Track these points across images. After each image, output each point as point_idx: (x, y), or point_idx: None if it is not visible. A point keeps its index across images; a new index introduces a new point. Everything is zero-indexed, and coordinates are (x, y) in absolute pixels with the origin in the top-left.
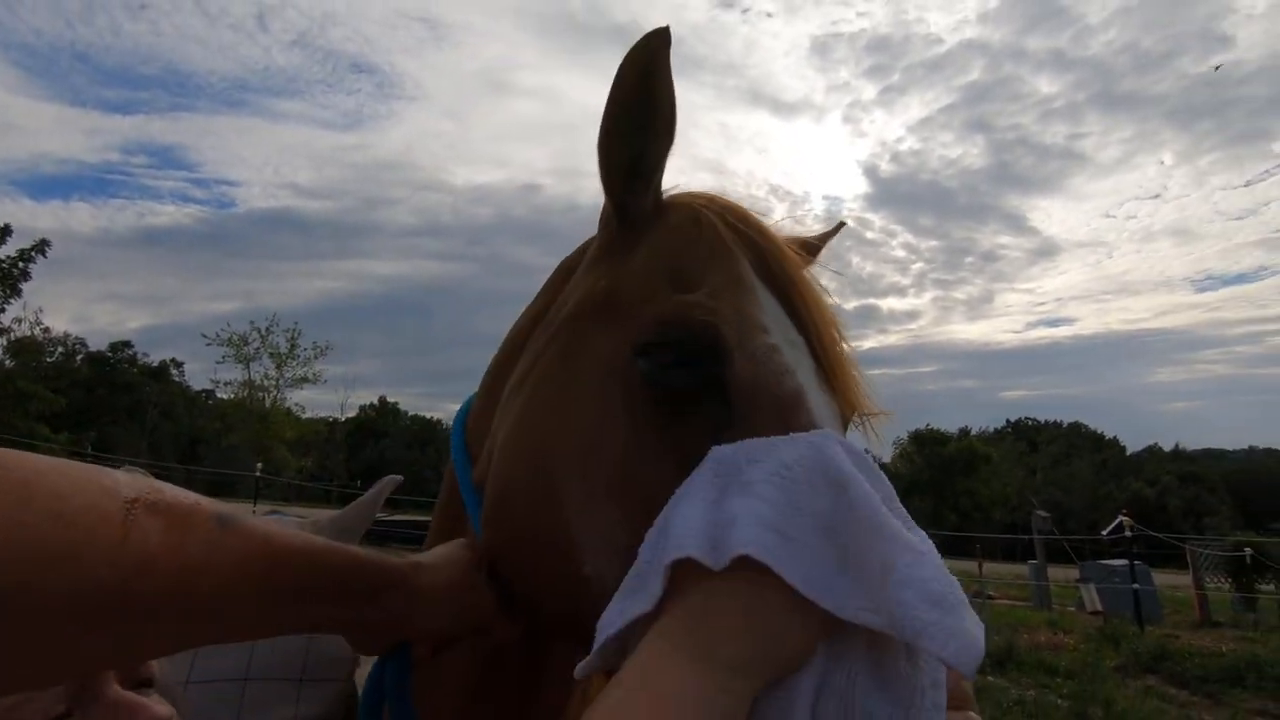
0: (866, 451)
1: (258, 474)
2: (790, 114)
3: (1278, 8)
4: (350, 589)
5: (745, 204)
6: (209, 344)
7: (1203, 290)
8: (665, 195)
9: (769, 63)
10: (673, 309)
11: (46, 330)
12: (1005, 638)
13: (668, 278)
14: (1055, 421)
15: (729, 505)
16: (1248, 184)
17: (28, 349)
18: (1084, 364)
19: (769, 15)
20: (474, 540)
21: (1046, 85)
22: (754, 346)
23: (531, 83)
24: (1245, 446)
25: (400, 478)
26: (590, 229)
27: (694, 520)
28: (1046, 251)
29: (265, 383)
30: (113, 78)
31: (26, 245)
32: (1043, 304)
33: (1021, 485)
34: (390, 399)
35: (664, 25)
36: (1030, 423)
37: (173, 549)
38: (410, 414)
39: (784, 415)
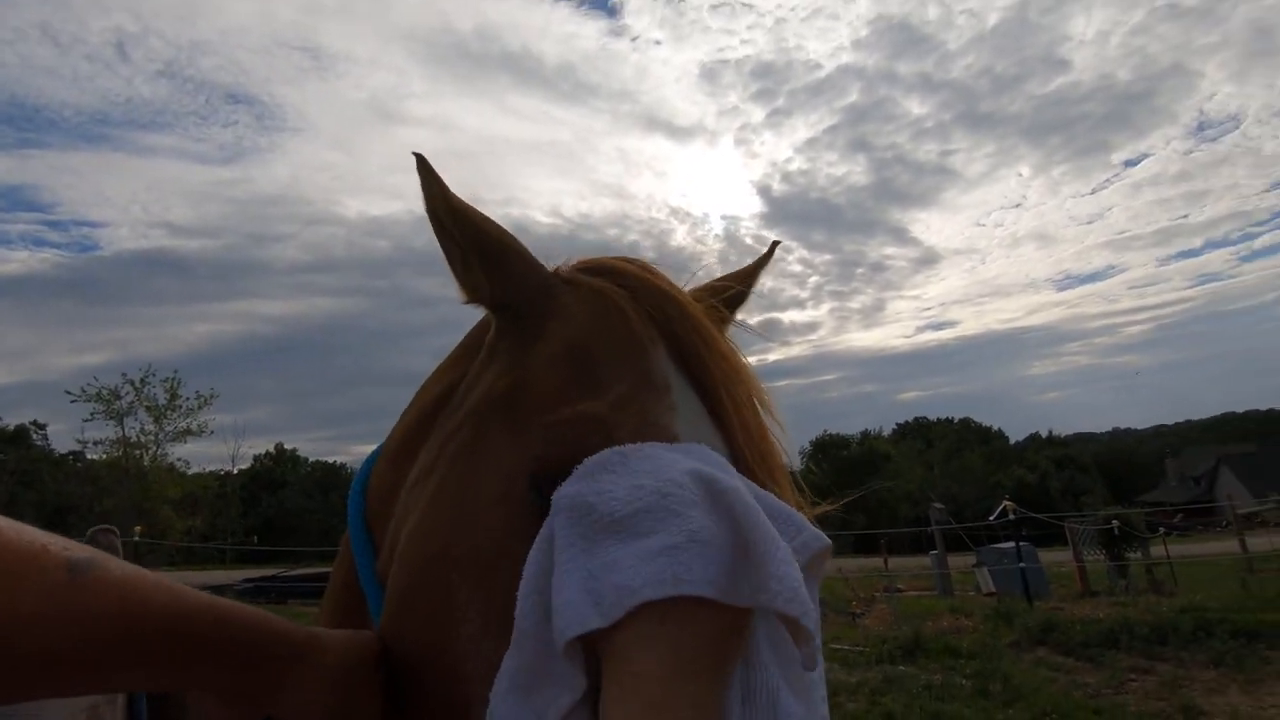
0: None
1: (136, 539)
2: (685, 138)
3: (1104, 35)
4: (231, 654)
5: (659, 266)
6: (74, 400)
7: (1063, 289)
8: (576, 262)
9: (661, 88)
10: (562, 434)
11: None
12: (913, 627)
13: (573, 378)
14: (947, 418)
15: (601, 551)
16: (1093, 191)
17: None
18: (969, 362)
19: (657, 43)
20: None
21: (918, 106)
22: None
23: (423, 111)
24: (1109, 429)
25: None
26: None
27: (571, 587)
28: (928, 260)
29: (143, 439)
30: None
31: None
32: (929, 309)
33: (920, 481)
34: (288, 445)
35: (417, 153)
36: (923, 422)
37: (6, 604)
38: (311, 460)
39: None
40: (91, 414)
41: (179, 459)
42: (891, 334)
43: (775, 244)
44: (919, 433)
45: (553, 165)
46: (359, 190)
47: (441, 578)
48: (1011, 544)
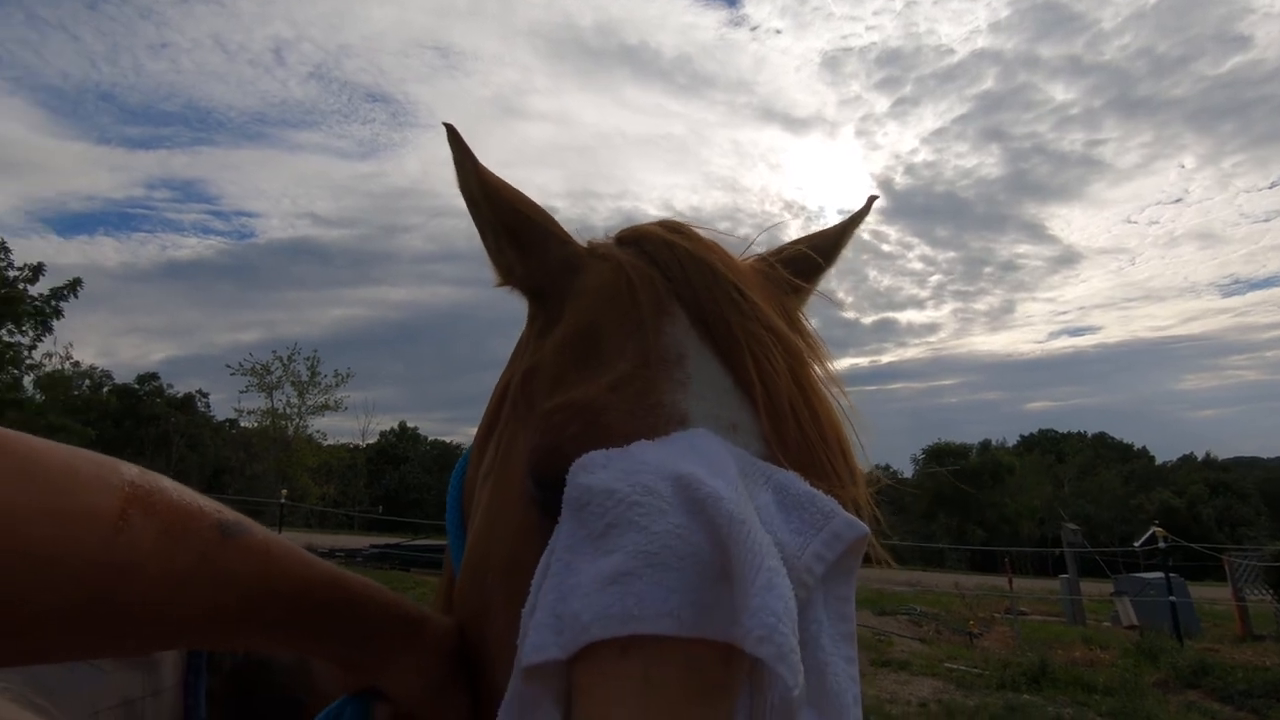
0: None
1: (282, 500)
2: (802, 129)
3: None
4: (353, 624)
5: (715, 229)
6: (233, 374)
7: (1229, 294)
8: (609, 235)
9: (779, 79)
10: (551, 422)
11: (76, 364)
12: (1039, 654)
13: (575, 360)
14: (1080, 432)
15: (576, 567)
16: (1273, 185)
17: (58, 383)
18: (1109, 373)
19: (778, 32)
20: None
21: (1062, 92)
22: None
23: (544, 107)
24: (1278, 454)
25: None
26: None
27: (544, 608)
28: (1067, 260)
29: (288, 411)
30: (136, 115)
31: (59, 283)
32: (1065, 313)
33: (1049, 498)
34: (410, 424)
35: (448, 124)
36: (1054, 434)
37: (163, 556)
38: (430, 439)
39: None
40: (247, 386)
41: (317, 430)
42: (1021, 338)
43: (872, 199)
44: (1047, 446)
45: (666, 159)
46: None
47: (480, 577)
48: (1158, 575)
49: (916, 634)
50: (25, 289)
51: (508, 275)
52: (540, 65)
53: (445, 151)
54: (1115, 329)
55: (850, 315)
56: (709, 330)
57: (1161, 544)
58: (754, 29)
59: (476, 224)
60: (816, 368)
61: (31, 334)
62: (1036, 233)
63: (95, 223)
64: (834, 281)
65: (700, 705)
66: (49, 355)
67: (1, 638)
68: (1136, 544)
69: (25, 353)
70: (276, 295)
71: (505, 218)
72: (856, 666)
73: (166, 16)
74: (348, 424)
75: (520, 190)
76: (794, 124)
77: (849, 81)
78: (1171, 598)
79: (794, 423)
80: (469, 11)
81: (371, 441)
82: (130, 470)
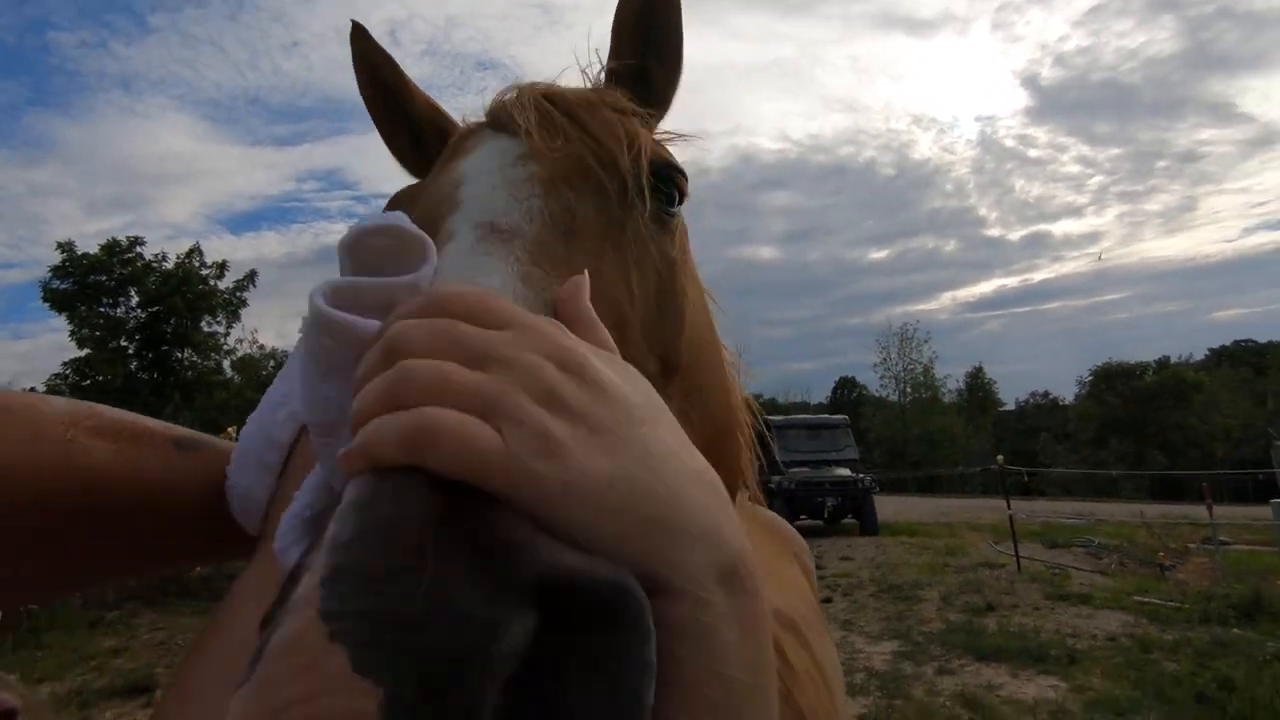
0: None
1: None
2: (929, 32)
3: None
4: None
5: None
6: None
7: None
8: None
9: None
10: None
11: (261, 347)
12: (1250, 585)
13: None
14: None
15: None
16: None
17: (249, 365)
18: None
19: None
20: None
21: None
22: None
23: None
24: None
25: None
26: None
27: None
28: (1265, 140)
29: None
30: (280, 114)
31: (239, 277)
32: (1263, 203)
33: (1249, 415)
34: None
35: (353, 22)
36: (1252, 345)
37: (127, 466)
38: None
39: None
40: None
41: None
42: (1205, 239)
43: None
44: (1244, 358)
45: (778, 85)
46: None
47: None
48: None
49: (1096, 566)
50: (215, 285)
51: (422, 170)
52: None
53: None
54: None
55: (995, 232)
56: (500, 125)
57: None
58: None
59: (383, 122)
60: (611, 104)
61: (225, 323)
62: (1224, 113)
63: (259, 219)
64: (974, 197)
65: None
66: (240, 341)
67: (24, 558)
68: None
69: (222, 340)
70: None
71: (429, 116)
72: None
73: (293, 16)
74: None
75: (421, 91)
76: (918, 26)
77: None
78: None
79: (567, 130)
80: None
81: None
82: (58, 402)
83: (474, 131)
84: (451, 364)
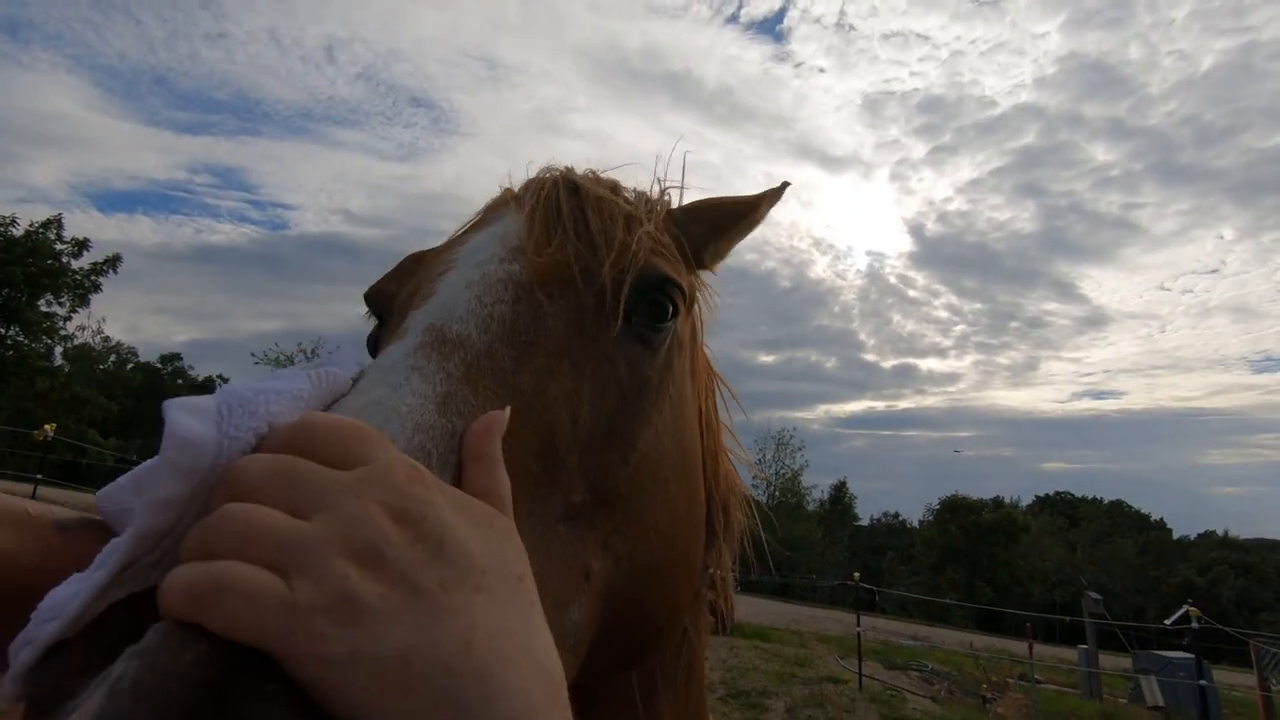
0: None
1: None
2: (838, 168)
3: None
4: None
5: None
6: (257, 362)
7: (1261, 371)
8: None
9: (819, 117)
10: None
11: (106, 339)
12: None
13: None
14: (1096, 497)
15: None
16: None
17: (85, 356)
18: (1130, 440)
19: (821, 70)
20: None
21: (1103, 153)
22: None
23: (582, 125)
24: None
25: None
26: None
27: None
28: (1096, 321)
29: None
30: (187, 101)
31: (99, 259)
32: (1090, 374)
33: (1062, 562)
34: None
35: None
36: (1070, 497)
37: (25, 552)
38: None
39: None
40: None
41: None
42: (1042, 396)
43: (785, 184)
44: (1062, 508)
45: (700, 185)
46: None
47: None
48: (1185, 655)
49: (928, 692)
50: (69, 263)
51: None
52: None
53: (485, 161)
54: (1140, 395)
55: (871, 357)
56: (519, 203)
57: (1194, 624)
58: (798, 65)
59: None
60: (624, 214)
61: (68, 306)
62: (1066, 291)
63: (136, 202)
64: (857, 322)
65: None
66: (81, 328)
67: None
68: (1168, 621)
69: (60, 323)
70: (304, 288)
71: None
72: None
73: (226, 8)
74: None
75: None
76: (829, 162)
77: (888, 125)
78: (1203, 681)
79: (566, 228)
80: (520, 27)
81: None
82: None
83: (501, 204)
84: (270, 511)
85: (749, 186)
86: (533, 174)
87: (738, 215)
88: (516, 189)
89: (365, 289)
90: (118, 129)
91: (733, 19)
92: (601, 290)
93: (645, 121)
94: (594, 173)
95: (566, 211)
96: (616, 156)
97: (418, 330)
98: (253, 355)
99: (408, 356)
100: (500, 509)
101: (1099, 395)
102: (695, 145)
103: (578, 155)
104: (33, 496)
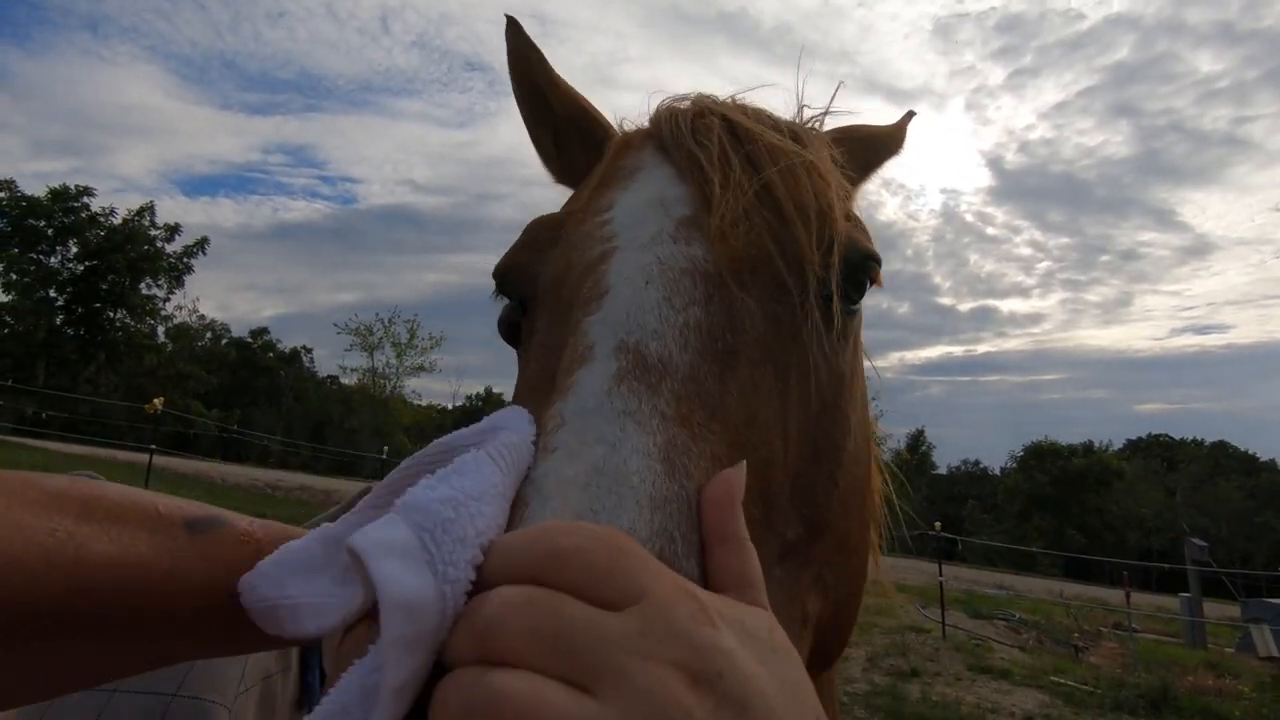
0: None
1: (383, 457)
2: (907, 101)
3: None
4: None
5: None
6: (339, 333)
7: None
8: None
9: (885, 48)
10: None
11: (202, 317)
12: (1158, 676)
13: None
14: (1196, 439)
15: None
16: None
17: (184, 333)
18: (1237, 377)
19: None
20: None
21: (1208, 63)
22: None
23: (636, 77)
24: None
25: None
26: None
27: None
28: (1198, 250)
29: (387, 370)
30: (254, 82)
31: (190, 242)
32: (1191, 308)
33: (1160, 507)
34: (496, 390)
35: (508, 17)
36: (1168, 439)
37: (119, 559)
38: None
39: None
40: (351, 345)
41: (412, 391)
42: (1137, 334)
43: (911, 113)
44: (1159, 451)
45: None
46: None
47: None
48: None
49: (1015, 641)
50: (163, 247)
51: (565, 173)
52: (635, 33)
53: None
54: (1249, 328)
55: (946, 301)
56: (667, 151)
57: None
58: None
59: (532, 120)
60: (806, 165)
61: (166, 287)
62: (1165, 219)
63: (217, 185)
64: (931, 265)
65: None
66: (179, 308)
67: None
68: None
69: (160, 304)
70: (376, 259)
71: (574, 115)
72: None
73: None
74: (438, 386)
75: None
76: (898, 95)
77: (962, 50)
78: None
79: (745, 192)
80: None
81: (459, 405)
82: (50, 482)
83: (633, 147)
84: (546, 687)
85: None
86: (649, 104)
87: (888, 150)
88: (640, 124)
89: (429, 266)
90: (195, 114)
91: None
92: (802, 274)
93: (701, 66)
94: (735, 101)
95: (739, 167)
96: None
97: (608, 350)
98: (335, 326)
99: (611, 395)
100: (758, 599)
101: (1202, 330)
102: (755, 87)
103: (634, 106)
104: (149, 466)
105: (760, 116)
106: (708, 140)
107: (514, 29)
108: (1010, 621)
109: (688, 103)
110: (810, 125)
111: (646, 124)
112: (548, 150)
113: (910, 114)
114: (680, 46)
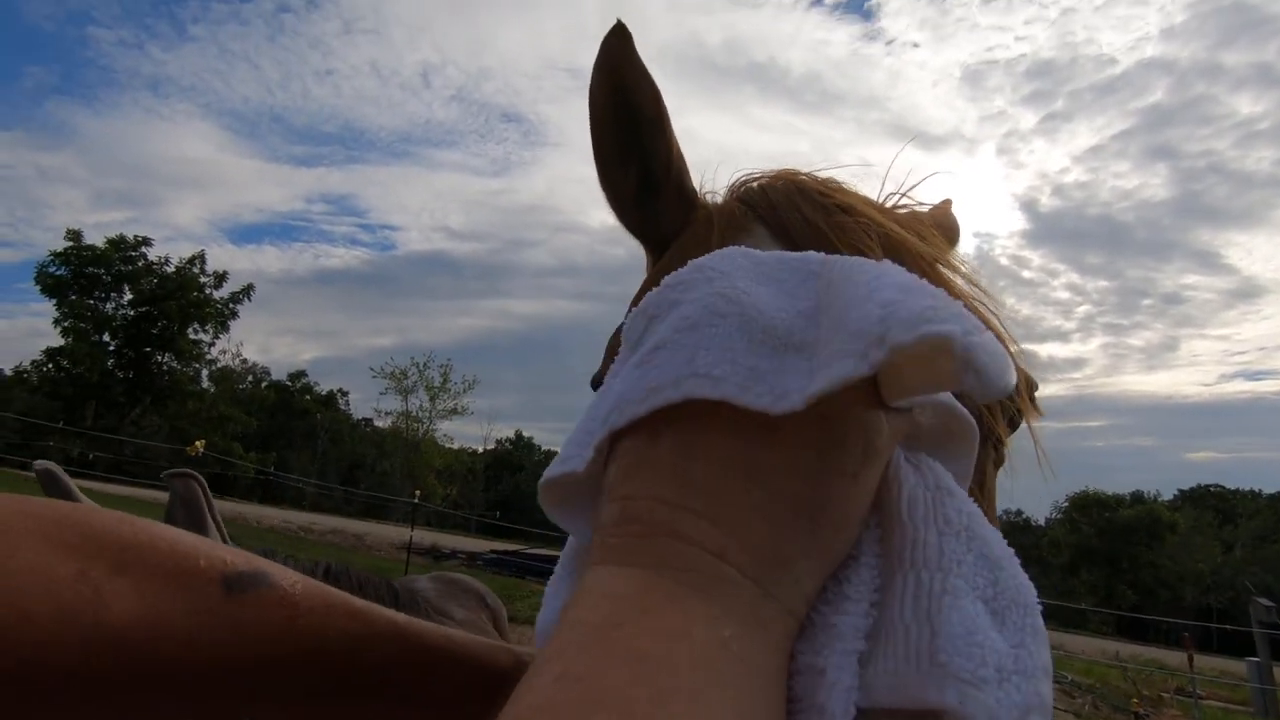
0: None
1: (415, 500)
2: (938, 147)
3: None
4: (422, 685)
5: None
6: (374, 376)
7: None
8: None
9: (914, 94)
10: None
11: (244, 361)
12: None
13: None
14: (1254, 490)
15: (609, 384)
16: None
17: (227, 377)
18: None
19: (915, 45)
20: None
21: (1248, 105)
22: None
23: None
24: None
25: None
26: None
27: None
28: (1247, 293)
29: (420, 414)
30: (301, 136)
31: (236, 289)
32: (1241, 353)
33: (1219, 563)
34: (526, 433)
35: (617, 21)
36: (1221, 490)
37: (149, 619)
38: (544, 448)
39: None
40: (385, 389)
41: (444, 434)
42: (1184, 379)
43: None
44: (1213, 502)
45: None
46: (603, 201)
47: None
48: None
49: (1070, 706)
50: (211, 294)
51: (647, 226)
52: (667, 84)
53: (574, 170)
54: None
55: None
56: (788, 234)
57: None
58: (889, 42)
59: (616, 155)
60: (928, 257)
61: (212, 333)
62: (1209, 261)
63: (262, 233)
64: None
65: (735, 480)
66: (223, 352)
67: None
68: None
69: (206, 349)
70: (412, 304)
71: (679, 159)
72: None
73: (331, 46)
74: (469, 429)
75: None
76: (928, 140)
77: (992, 96)
78: None
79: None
80: (600, 34)
81: (490, 448)
82: (95, 525)
83: (740, 227)
84: None
85: (843, 174)
86: (730, 176)
87: (952, 243)
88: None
89: (463, 311)
90: (244, 167)
91: (816, 1)
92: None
93: (731, 116)
94: (821, 179)
95: None
96: (704, 154)
97: None
98: (371, 370)
99: None
100: None
101: (1254, 376)
102: (783, 135)
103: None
104: None
105: (875, 206)
106: (819, 220)
107: (622, 40)
108: (1063, 684)
109: (778, 180)
110: (910, 210)
111: (725, 191)
112: (624, 193)
113: (948, 201)
114: (710, 97)
